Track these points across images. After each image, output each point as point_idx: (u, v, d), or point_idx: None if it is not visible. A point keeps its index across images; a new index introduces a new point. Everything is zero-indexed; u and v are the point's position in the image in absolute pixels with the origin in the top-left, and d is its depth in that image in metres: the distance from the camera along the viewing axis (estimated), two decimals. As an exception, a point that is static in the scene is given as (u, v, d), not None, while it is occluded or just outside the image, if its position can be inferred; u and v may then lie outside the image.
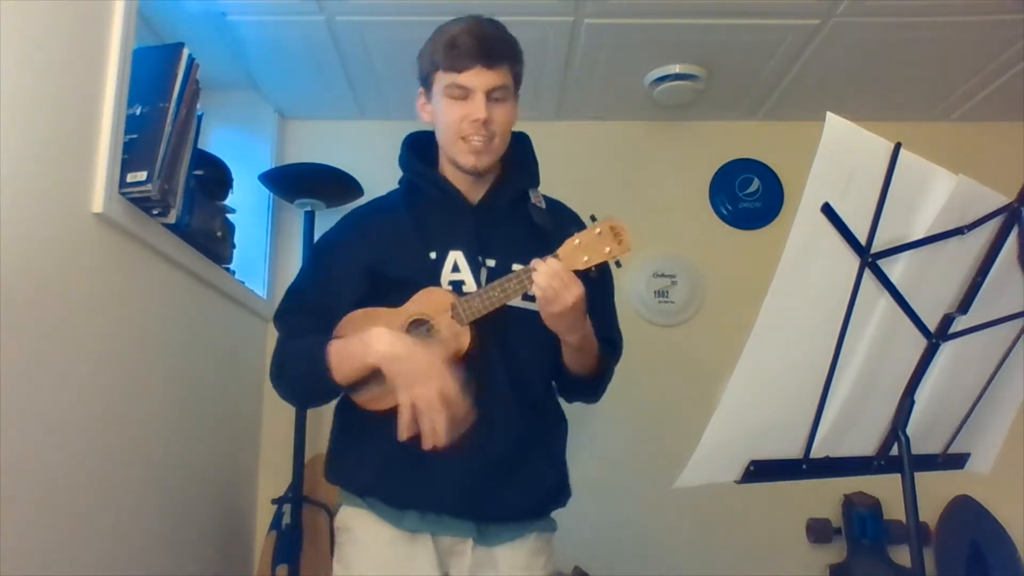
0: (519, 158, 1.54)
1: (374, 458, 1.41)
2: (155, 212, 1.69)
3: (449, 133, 1.44)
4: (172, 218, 1.72)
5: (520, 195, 1.51)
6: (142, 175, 1.60)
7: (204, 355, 2.12)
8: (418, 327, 1.39)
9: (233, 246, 2.24)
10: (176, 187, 1.71)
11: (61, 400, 1.43)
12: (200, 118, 1.84)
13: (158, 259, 1.81)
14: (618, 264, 1.37)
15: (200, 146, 1.90)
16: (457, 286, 1.41)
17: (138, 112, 1.66)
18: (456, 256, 1.43)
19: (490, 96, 1.40)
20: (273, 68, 2.53)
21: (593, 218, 1.35)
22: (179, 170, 1.72)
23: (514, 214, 1.49)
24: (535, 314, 1.37)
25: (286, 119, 2.84)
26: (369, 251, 1.45)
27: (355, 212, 1.62)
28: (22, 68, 1.32)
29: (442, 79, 1.42)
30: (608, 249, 1.33)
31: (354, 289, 1.43)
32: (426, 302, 1.39)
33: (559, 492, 1.50)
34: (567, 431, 1.56)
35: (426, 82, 1.47)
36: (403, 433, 1.30)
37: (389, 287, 1.42)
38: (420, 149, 1.53)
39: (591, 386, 1.53)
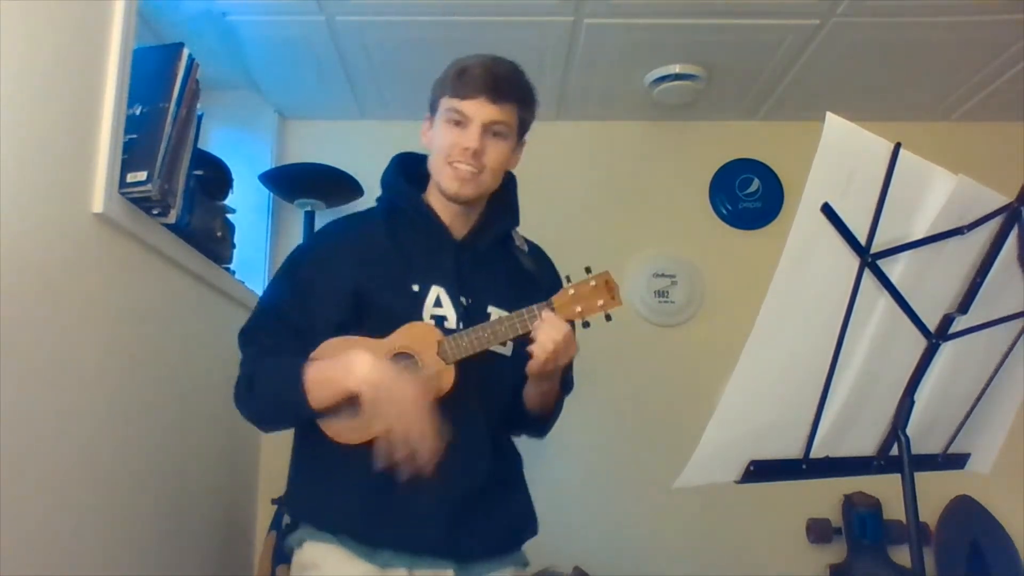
0: (505, 198, 1.53)
1: (347, 494, 1.35)
2: (155, 212, 1.69)
3: (439, 157, 1.42)
4: (172, 218, 1.72)
5: (503, 236, 1.50)
6: (142, 175, 1.60)
7: (204, 355, 2.12)
8: (401, 360, 1.35)
9: (233, 246, 2.24)
10: (176, 187, 1.71)
11: (61, 400, 1.43)
12: (200, 118, 1.84)
13: (158, 259, 1.81)
14: (608, 318, 1.38)
15: (200, 146, 1.90)
16: (439, 321, 1.39)
17: (138, 112, 1.66)
18: (439, 291, 1.41)
19: (488, 130, 1.39)
20: (273, 68, 2.53)
21: (588, 270, 1.37)
22: (179, 170, 1.72)
23: (495, 255, 1.48)
24: (508, 360, 1.41)
25: (286, 119, 2.84)
26: (353, 273, 1.40)
27: (333, 228, 1.56)
28: (22, 68, 1.32)
29: (445, 104, 1.41)
30: (601, 302, 1.35)
31: (338, 311, 1.38)
32: (411, 336, 1.36)
33: (531, 521, 1.51)
34: (522, 464, 1.56)
35: (433, 107, 1.46)
36: (380, 463, 1.26)
37: (369, 314, 1.38)
38: (408, 172, 1.51)
39: (544, 424, 1.54)
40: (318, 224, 2.52)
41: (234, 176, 2.25)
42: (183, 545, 1.96)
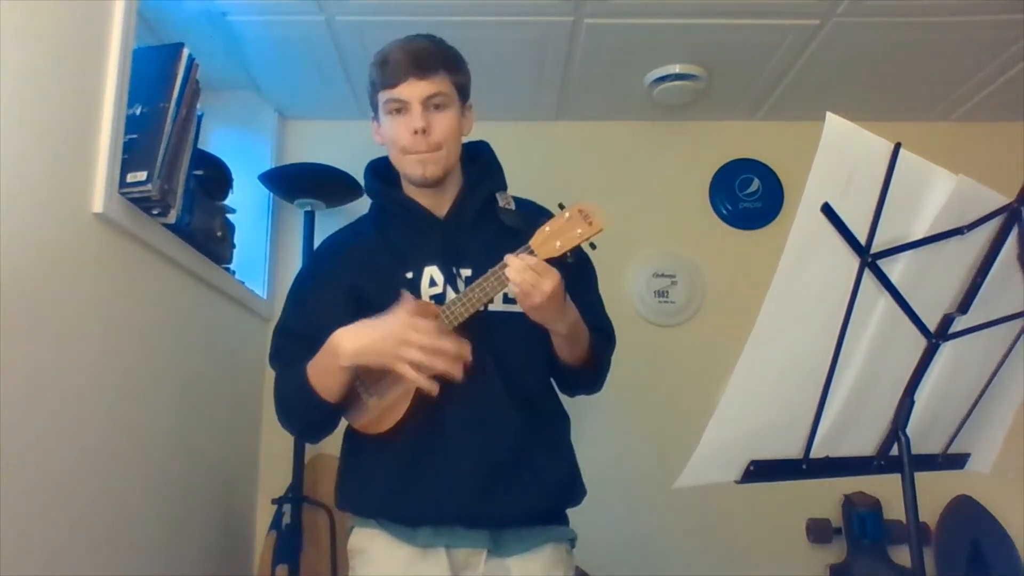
0: (482, 166, 1.55)
1: (381, 479, 1.41)
2: (155, 212, 1.69)
3: (395, 149, 1.46)
4: (172, 218, 1.72)
5: (486, 201, 1.51)
6: (142, 175, 1.60)
7: (204, 355, 2.12)
8: None
9: (233, 246, 2.24)
10: (176, 187, 1.71)
11: (61, 400, 1.43)
12: (200, 118, 1.84)
13: (158, 259, 1.81)
14: (592, 246, 1.36)
15: (200, 146, 1.90)
16: (438, 299, 1.42)
17: (138, 112, 1.66)
18: (431, 271, 1.44)
19: (427, 105, 1.42)
20: (273, 68, 2.53)
21: (561, 206, 1.35)
22: (179, 170, 1.72)
23: (483, 220, 1.50)
24: (519, 315, 1.38)
25: (286, 119, 2.84)
26: (348, 276, 1.47)
27: (327, 242, 1.63)
28: (22, 68, 1.32)
29: (382, 98, 1.45)
30: (580, 231, 1.31)
31: (338, 314, 1.41)
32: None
33: (570, 488, 1.50)
34: (569, 427, 1.56)
35: (374, 107, 1.50)
36: (432, 391, 1.31)
37: (370, 311, 1.40)
38: (383, 174, 1.55)
39: (589, 377, 1.53)
40: (318, 224, 2.52)
41: (234, 176, 2.25)
42: (183, 545, 1.96)
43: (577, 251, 1.34)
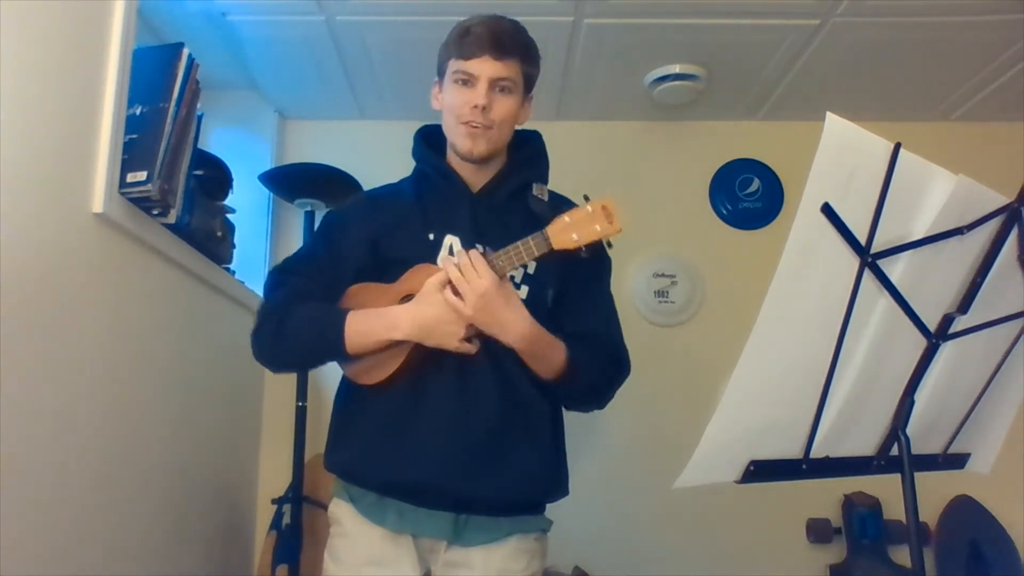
0: (528, 154, 1.57)
1: (357, 435, 1.43)
2: (155, 212, 1.69)
3: (451, 117, 1.47)
4: (172, 218, 1.72)
5: (522, 187, 1.52)
6: (142, 175, 1.60)
7: (204, 355, 2.12)
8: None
9: (233, 246, 2.25)
10: (176, 187, 1.71)
11: (60, 400, 1.43)
12: (200, 118, 1.84)
13: (158, 259, 1.81)
14: (608, 245, 1.35)
15: (200, 146, 1.90)
16: None
17: (138, 112, 1.66)
18: (452, 240, 1.46)
19: (494, 86, 1.44)
20: (273, 68, 2.53)
21: (586, 198, 1.34)
22: (179, 170, 1.72)
23: (514, 205, 1.51)
24: (523, 302, 1.39)
25: (286, 119, 2.84)
26: (374, 226, 1.50)
27: (366, 193, 1.67)
28: (22, 68, 1.32)
29: (452, 66, 1.46)
30: (598, 228, 1.30)
31: (358, 259, 1.48)
32: (418, 279, 1.40)
33: (546, 480, 1.47)
34: (560, 422, 1.53)
35: (440, 71, 1.51)
36: (472, 350, 1.37)
37: (388, 263, 1.46)
38: (430, 141, 1.58)
39: (571, 392, 1.48)
40: (317, 224, 2.52)
41: (234, 176, 2.25)
42: (183, 545, 1.96)
43: (597, 246, 1.33)
